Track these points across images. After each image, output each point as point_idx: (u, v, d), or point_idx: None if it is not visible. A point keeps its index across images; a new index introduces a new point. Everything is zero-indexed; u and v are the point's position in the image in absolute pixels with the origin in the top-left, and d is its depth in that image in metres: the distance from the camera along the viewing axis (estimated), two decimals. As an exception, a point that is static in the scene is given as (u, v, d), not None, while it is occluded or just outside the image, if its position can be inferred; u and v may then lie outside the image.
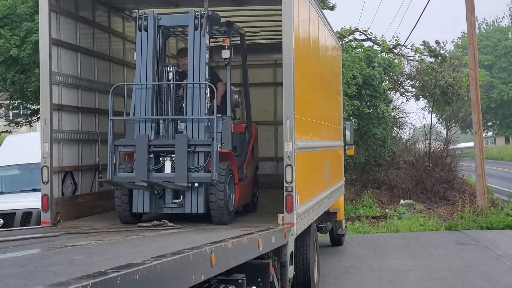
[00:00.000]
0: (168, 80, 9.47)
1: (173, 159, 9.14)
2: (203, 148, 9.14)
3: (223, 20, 10.09)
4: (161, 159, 9.25)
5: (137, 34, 9.54)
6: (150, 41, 9.46)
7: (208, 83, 9.33)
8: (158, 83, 9.46)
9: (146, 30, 9.48)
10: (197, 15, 9.38)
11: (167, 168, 9.20)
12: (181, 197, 9.19)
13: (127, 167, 9.35)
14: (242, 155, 10.46)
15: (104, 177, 9.72)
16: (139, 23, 9.49)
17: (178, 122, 9.43)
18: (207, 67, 9.40)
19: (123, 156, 9.80)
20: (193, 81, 9.33)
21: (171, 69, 9.51)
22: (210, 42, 9.66)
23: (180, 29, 9.97)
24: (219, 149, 9.14)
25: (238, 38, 10.95)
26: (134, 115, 9.39)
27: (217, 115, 9.31)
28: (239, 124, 10.81)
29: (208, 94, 9.36)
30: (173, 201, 9.20)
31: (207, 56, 9.44)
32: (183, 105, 9.46)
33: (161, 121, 9.39)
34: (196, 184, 9.08)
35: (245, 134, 10.80)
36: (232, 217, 9.50)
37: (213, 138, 9.10)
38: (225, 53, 9.78)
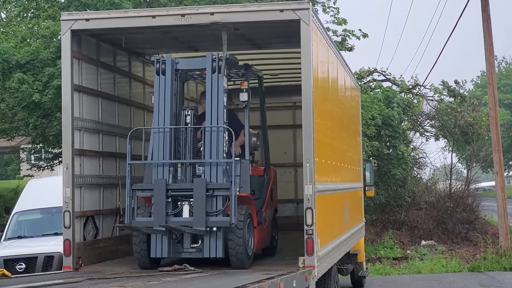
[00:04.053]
0: (186, 124, 9.47)
1: (191, 203, 9.09)
2: (222, 192, 9.09)
3: (241, 63, 10.16)
4: (179, 203, 9.20)
5: (155, 77, 9.57)
6: (168, 85, 9.47)
7: (226, 127, 9.32)
8: (176, 127, 9.47)
9: (164, 74, 9.50)
10: (215, 58, 9.41)
11: (185, 213, 9.14)
12: (200, 241, 9.11)
13: (145, 212, 9.31)
14: (260, 198, 10.38)
15: (124, 222, 9.72)
16: (157, 67, 9.52)
17: (196, 166, 9.39)
18: (225, 110, 9.40)
19: (143, 200, 9.81)
20: (211, 124, 9.33)
21: (189, 113, 9.50)
22: (228, 85, 9.71)
23: (198, 72, 10.00)
24: (237, 193, 9.07)
25: (256, 81, 10.98)
26: (152, 159, 9.38)
27: (235, 158, 9.27)
28: (257, 167, 10.77)
29: (226, 138, 9.34)
30: (192, 245, 9.12)
31: (225, 99, 9.43)
32: (201, 148, 9.44)
33: (179, 165, 9.36)
34: (214, 229, 8.99)
35: (263, 177, 10.76)
36: (251, 261, 9.41)
37: (231, 181, 9.03)
38: (243, 96, 9.76)
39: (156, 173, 9.32)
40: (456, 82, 26.86)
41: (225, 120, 9.37)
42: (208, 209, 9.02)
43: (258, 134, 10.61)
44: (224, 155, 9.26)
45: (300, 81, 9.20)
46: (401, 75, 26.77)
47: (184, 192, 9.18)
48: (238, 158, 9.47)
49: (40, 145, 22.45)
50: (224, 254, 9.08)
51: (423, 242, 23.37)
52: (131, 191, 9.22)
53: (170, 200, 9.17)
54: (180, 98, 9.77)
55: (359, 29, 23.87)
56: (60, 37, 10.76)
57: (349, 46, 23.72)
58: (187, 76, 10.12)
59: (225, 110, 9.40)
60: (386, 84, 25.81)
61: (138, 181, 9.55)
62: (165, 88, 9.48)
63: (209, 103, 9.40)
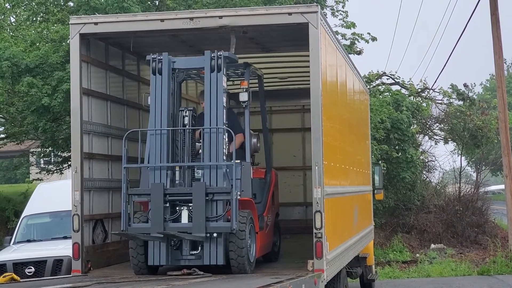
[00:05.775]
0: (184, 125, 9.15)
1: (190, 208, 8.81)
2: (222, 196, 8.79)
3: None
4: (177, 208, 8.90)
5: (151, 77, 9.31)
6: (165, 85, 9.19)
7: (226, 128, 9.03)
8: (174, 129, 9.16)
9: (160, 73, 9.22)
10: (213, 56, 9.12)
11: (184, 218, 8.85)
12: (200, 248, 8.82)
13: (142, 217, 9.03)
14: (262, 202, 10.06)
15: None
16: (153, 66, 9.25)
17: (195, 169, 9.10)
18: (224, 110, 9.11)
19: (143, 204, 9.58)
20: (210, 125, 9.03)
21: (187, 114, 9.17)
22: (230, 86, 9.56)
23: (196, 71, 9.74)
24: (238, 197, 8.78)
25: (256, 80, 10.67)
26: (148, 162, 9.10)
27: (236, 161, 8.96)
28: (258, 169, 10.43)
29: (226, 139, 9.06)
30: (191, 252, 8.82)
31: (225, 99, 9.17)
32: (200, 151, 9.15)
33: (177, 168, 9.02)
34: (215, 235, 8.72)
35: (265, 180, 10.44)
36: (253, 268, 9.14)
37: (232, 185, 8.73)
38: (243, 96, 9.48)
39: (153, 177, 9.01)
40: (465, 85, 26.76)
41: (224, 121, 9.06)
42: (208, 214, 8.73)
43: (259, 136, 10.25)
44: (224, 157, 8.95)
45: (309, 84, 9.15)
46: (410, 79, 26.77)
47: (183, 196, 8.87)
48: (239, 161, 9.15)
49: (49, 148, 22.53)
50: (225, 261, 8.80)
51: (433, 246, 23.30)
52: (127, 196, 8.93)
53: (168, 205, 8.86)
54: (177, 98, 9.48)
55: (368, 33, 23.87)
56: (69, 41, 10.79)
57: (358, 49, 23.71)
58: (185, 75, 9.78)
59: (224, 110, 9.10)
60: (395, 88, 25.81)
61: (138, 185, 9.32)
62: (162, 88, 9.19)
63: (208, 103, 9.09)
